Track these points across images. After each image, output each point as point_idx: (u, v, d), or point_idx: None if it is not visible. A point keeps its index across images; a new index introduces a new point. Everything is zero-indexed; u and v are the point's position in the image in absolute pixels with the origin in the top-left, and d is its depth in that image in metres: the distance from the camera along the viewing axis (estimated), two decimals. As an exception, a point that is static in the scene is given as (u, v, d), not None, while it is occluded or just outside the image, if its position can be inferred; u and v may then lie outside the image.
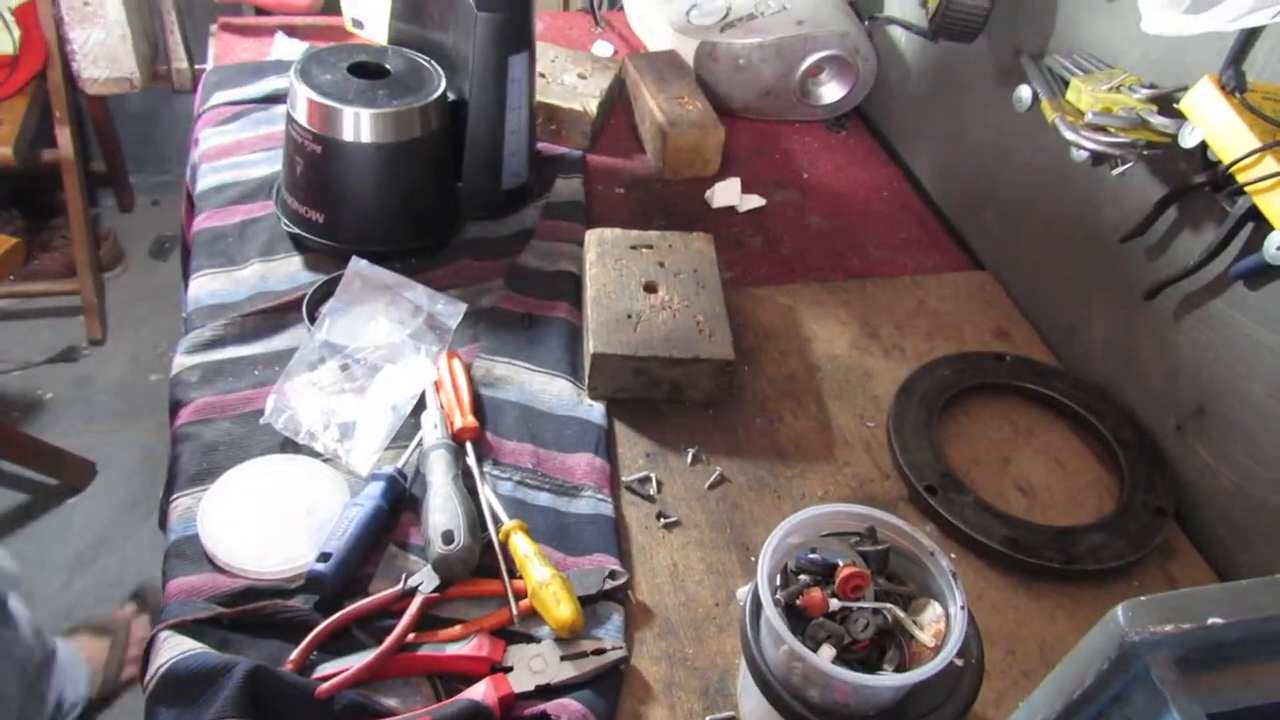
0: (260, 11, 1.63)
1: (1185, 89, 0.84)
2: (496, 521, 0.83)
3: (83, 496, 1.93)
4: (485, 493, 0.85)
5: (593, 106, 1.31)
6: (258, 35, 1.51)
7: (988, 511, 0.89)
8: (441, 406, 0.91)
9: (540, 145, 1.31)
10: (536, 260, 1.12)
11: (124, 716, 1.59)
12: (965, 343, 1.11)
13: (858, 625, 0.66)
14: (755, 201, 1.29)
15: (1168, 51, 0.92)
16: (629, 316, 0.98)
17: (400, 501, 0.85)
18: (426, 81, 1.07)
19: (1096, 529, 0.89)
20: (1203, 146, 0.83)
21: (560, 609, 0.75)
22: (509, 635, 0.76)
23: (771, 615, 0.64)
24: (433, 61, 1.11)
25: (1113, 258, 1.02)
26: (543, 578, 0.77)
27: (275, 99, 1.31)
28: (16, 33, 2.00)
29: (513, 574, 0.79)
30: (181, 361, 0.96)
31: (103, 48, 1.95)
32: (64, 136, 2.13)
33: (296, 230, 1.09)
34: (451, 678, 0.74)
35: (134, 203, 2.61)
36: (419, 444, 0.89)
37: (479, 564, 0.80)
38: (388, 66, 1.08)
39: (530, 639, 0.77)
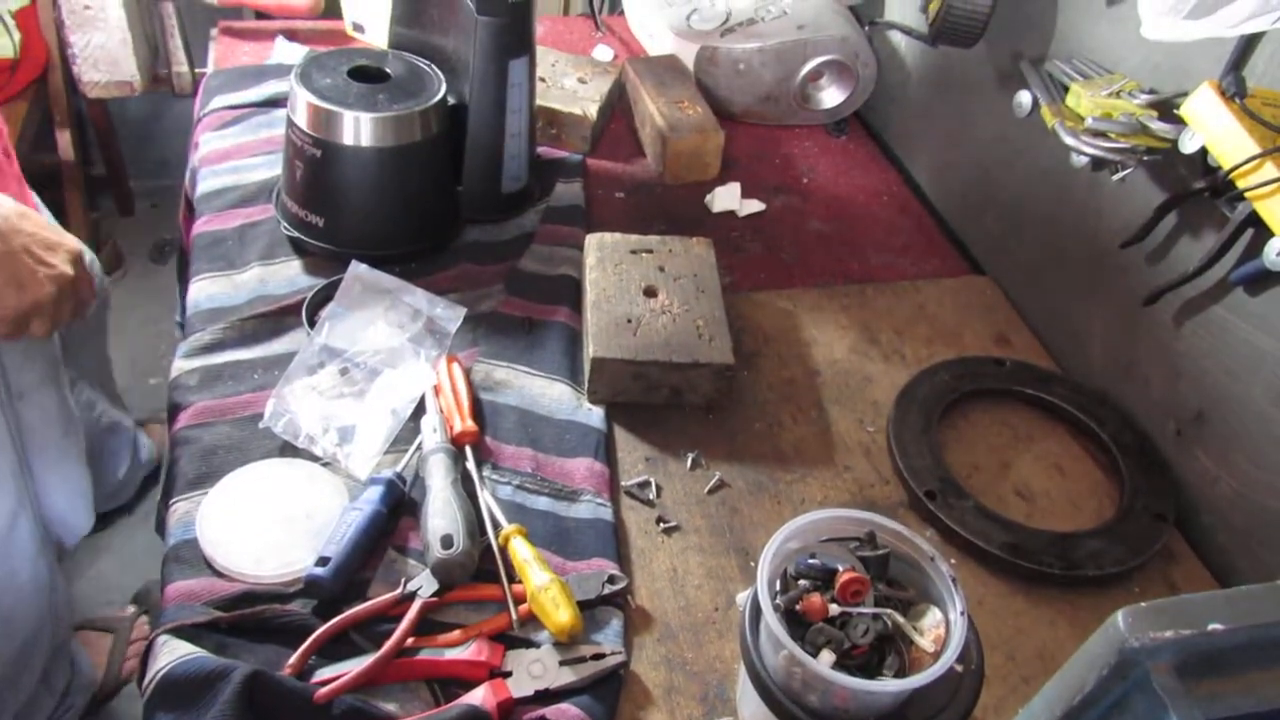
0: (261, 15, 1.63)
1: (1185, 94, 0.84)
2: (496, 526, 0.83)
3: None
4: (484, 497, 0.85)
5: (593, 111, 1.31)
6: (258, 39, 1.52)
7: (988, 517, 0.89)
8: (441, 410, 0.91)
9: (540, 149, 1.31)
10: (536, 264, 1.12)
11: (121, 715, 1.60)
12: (965, 348, 1.11)
13: (857, 630, 0.65)
14: (755, 206, 1.29)
15: (1168, 57, 0.92)
16: (629, 321, 0.98)
17: (399, 506, 0.85)
18: (427, 86, 1.07)
19: (1096, 534, 0.89)
20: (1203, 152, 0.83)
21: (559, 614, 0.75)
22: (508, 640, 0.76)
23: (771, 620, 0.64)
24: (433, 66, 1.11)
25: (1113, 263, 1.02)
26: (542, 582, 0.77)
27: (275, 103, 1.32)
28: (17, 36, 2.00)
29: (512, 578, 0.79)
30: (180, 365, 0.96)
31: (103, 51, 1.96)
32: (64, 140, 2.13)
33: (296, 234, 1.09)
34: (450, 682, 0.74)
35: (134, 206, 2.61)
36: (418, 448, 0.89)
37: (478, 568, 0.80)
38: (388, 70, 1.08)
39: (529, 644, 0.76)
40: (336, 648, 0.75)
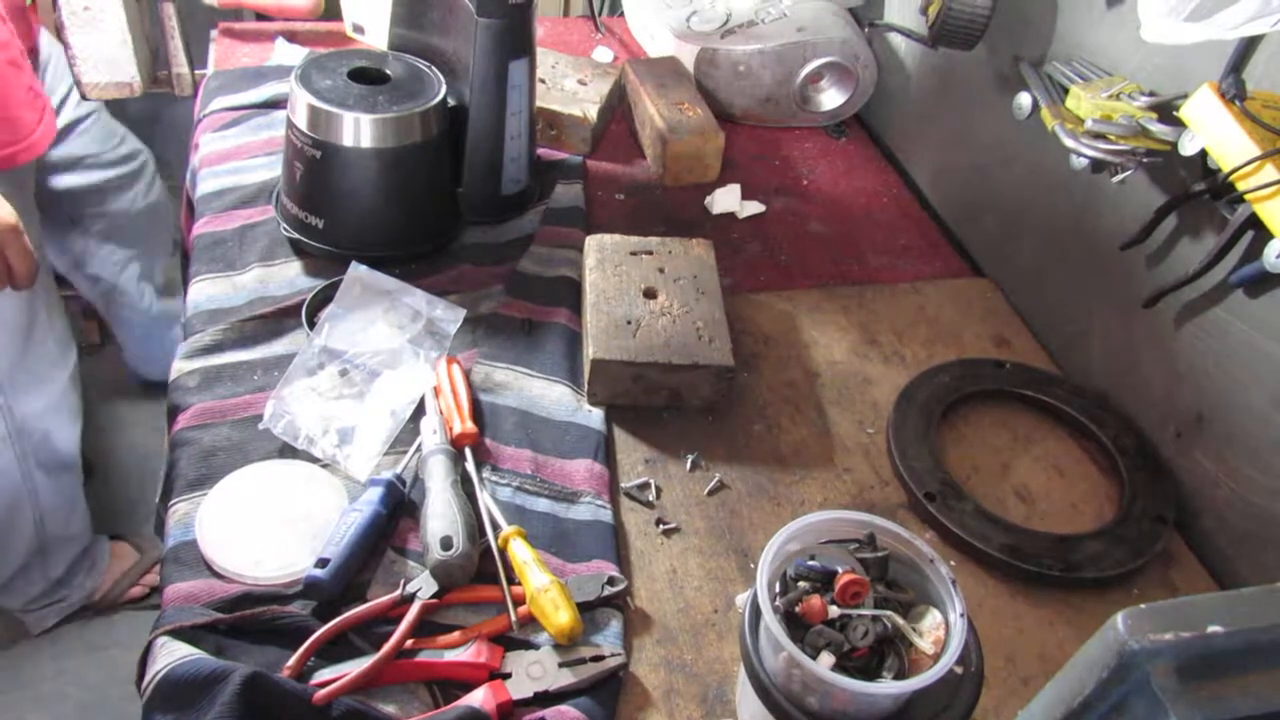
0: (261, 17, 1.63)
1: (1185, 97, 0.84)
2: (495, 527, 0.83)
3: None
4: (484, 498, 0.85)
5: (593, 112, 1.31)
6: (258, 40, 1.52)
7: (987, 519, 0.89)
8: (440, 412, 0.91)
9: (540, 151, 1.31)
10: (536, 266, 1.12)
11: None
12: (965, 349, 1.11)
13: (857, 632, 0.65)
14: (755, 207, 1.29)
15: (1168, 59, 0.92)
16: (628, 322, 0.98)
17: (399, 507, 0.85)
18: (427, 87, 1.07)
19: (1096, 537, 0.89)
20: (1202, 154, 0.83)
21: (559, 615, 0.75)
22: (507, 642, 0.76)
23: (771, 622, 0.64)
24: (433, 67, 1.11)
25: (1112, 265, 1.02)
26: (541, 584, 0.77)
27: (275, 104, 1.32)
28: (17, 37, 2.00)
29: (511, 580, 0.79)
30: (180, 366, 0.96)
31: (103, 52, 1.95)
32: (64, 141, 2.13)
33: (296, 235, 1.09)
34: (449, 684, 0.74)
35: (134, 208, 2.61)
36: (418, 449, 0.89)
37: (477, 570, 0.80)
38: (388, 72, 1.08)
39: (529, 645, 0.76)
40: (336, 649, 0.75)
